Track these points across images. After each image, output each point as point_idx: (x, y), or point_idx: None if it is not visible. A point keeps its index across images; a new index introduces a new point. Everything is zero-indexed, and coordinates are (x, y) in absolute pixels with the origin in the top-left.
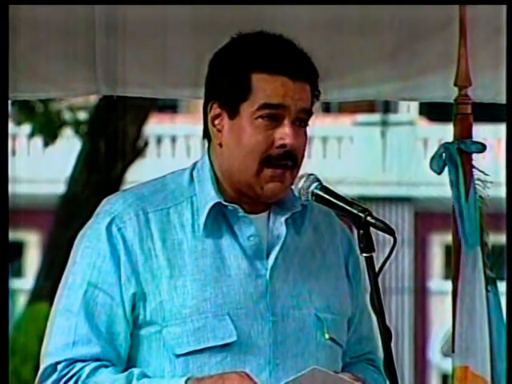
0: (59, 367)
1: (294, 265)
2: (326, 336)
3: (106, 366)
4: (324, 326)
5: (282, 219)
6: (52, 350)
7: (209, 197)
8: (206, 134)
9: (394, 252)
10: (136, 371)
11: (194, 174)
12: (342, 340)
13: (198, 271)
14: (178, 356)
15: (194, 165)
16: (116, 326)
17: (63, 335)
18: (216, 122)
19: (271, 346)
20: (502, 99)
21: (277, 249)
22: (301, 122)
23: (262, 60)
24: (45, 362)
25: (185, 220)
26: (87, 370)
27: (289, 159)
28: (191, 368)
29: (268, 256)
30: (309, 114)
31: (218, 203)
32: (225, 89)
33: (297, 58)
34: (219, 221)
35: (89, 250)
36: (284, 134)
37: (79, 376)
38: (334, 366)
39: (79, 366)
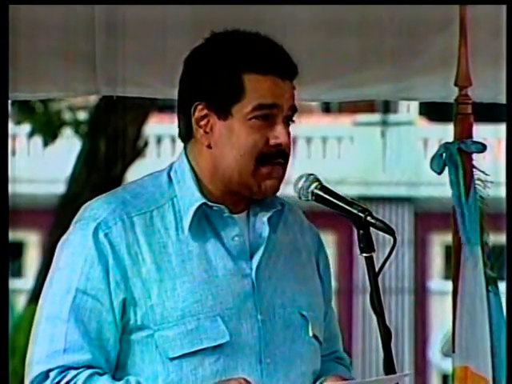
0: (52, 374)
1: (275, 264)
2: (310, 333)
3: (100, 374)
4: (308, 323)
5: (265, 218)
6: (41, 358)
7: (193, 198)
8: (184, 135)
9: (394, 252)
10: (132, 379)
11: (172, 175)
12: (321, 337)
13: (186, 273)
14: (171, 359)
15: (171, 166)
16: (106, 331)
17: (53, 342)
18: (202, 123)
19: (261, 345)
20: (502, 99)
21: (262, 248)
22: (288, 119)
23: (253, 61)
24: (34, 369)
25: (168, 223)
26: (82, 377)
27: (281, 157)
28: (185, 371)
29: (252, 255)
30: (295, 110)
31: (203, 204)
32: (214, 90)
33: (283, 57)
34: (203, 222)
35: (74, 256)
36: (278, 133)
37: (74, 383)
38: (317, 363)
39: (73, 373)
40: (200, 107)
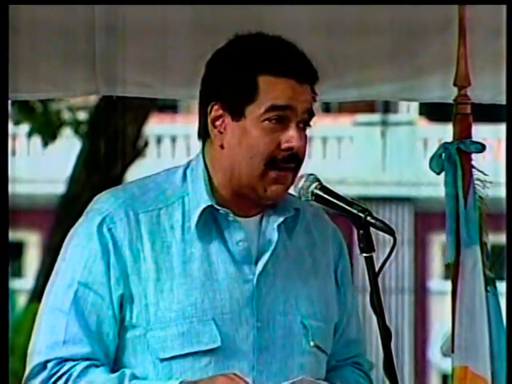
0: (49, 365)
1: (282, 270)
2: (311, 343)
3: (96, 366)
4: (309, 333)
5: (275, 225)
6: (41, 349)
7: (201, 199)
8: (202, 135)
9: (394, 252)
10: (128, 372)
11: (188, 172)
12: (327, 347)
13: (185, 275)
14: (161, 360)
15: (189, 163)
16: (105, 326)
17: (53, 334)
18: (217, 123)
19: (255, 351)
20: (502, 100)
21: (267, 255)
22: (304, 123)
23: (269, 63)
24: (34, 360)
25: (175, 222)
26: (78, 368)
27: (293, 162)
28: (174, 372)
29: (257, 261)
30: (312, 114)
31: (210, 206)
32: (229, 91)
33: (301, 60)
34: (209, 224)
35: (79, 248)
36: (290, 136)
37: (70, 374)
38: (319, 373)
39: (70, 364)
40: (216, 107)
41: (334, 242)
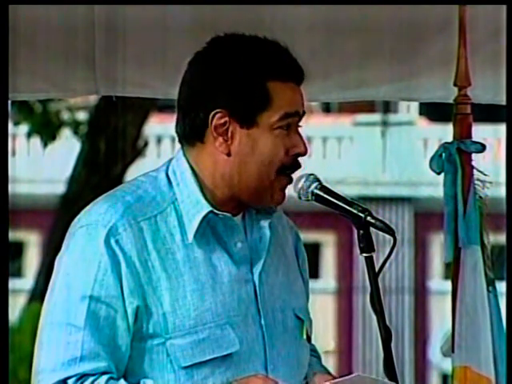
0: (70, 382)
1: (271, 266)
2: (304, 336)
3: (114, 378)
4: (304, 325)
5: (266, 223)
6: (56, 366)
7: (198, 205)
8: (189, 138)
9: (394, 252)
10: (149, 382)
11: (171, 177)
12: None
13: (194, 281)
14: (183, 368)
15: (168, 166)
16: (119, 338)
17: (68, 350)
18: (221, 130)
19: (265, 351)
20: (501, 100)
21: (264, 253)
22: (298, 125)
23: (275, 67)
24: (49, 377)
25: (172, 228)
26: (102, 381)
27: (297, 166)
28: (196, 380)
29: (252, 259)
30: (304, 115)
31: (210, 211)
32: (239, 98)
33: (296, 62)
34: (207, 228)
35: (85, 262)
36: (298, 141)
37: None
38: (307, 364)
39: (91, 378)
40: (220, 115)
41: (291, 233)
